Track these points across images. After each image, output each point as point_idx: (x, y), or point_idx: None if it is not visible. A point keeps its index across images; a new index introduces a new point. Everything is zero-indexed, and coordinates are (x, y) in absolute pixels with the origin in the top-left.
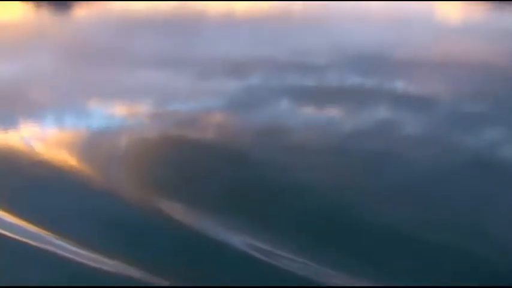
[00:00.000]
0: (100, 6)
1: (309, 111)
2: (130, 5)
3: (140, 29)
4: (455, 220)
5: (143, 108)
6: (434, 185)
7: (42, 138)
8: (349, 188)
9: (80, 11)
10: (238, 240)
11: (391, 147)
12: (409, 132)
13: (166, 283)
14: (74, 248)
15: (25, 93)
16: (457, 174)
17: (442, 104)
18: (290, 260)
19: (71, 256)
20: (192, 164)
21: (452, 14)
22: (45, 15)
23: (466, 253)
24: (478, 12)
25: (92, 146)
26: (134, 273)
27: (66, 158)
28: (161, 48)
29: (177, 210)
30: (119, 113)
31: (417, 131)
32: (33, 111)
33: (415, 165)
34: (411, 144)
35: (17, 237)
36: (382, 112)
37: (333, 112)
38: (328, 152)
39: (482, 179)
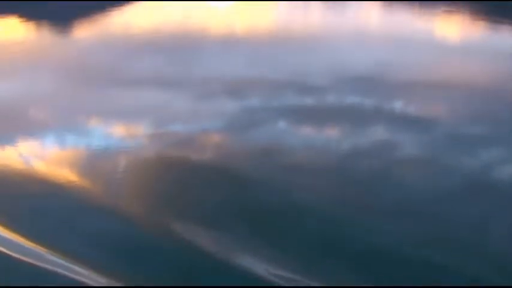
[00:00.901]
0: (100, 27)
1: (307, 132)
2: (131, 25)
3: (140, 49)
4: (453, 240)
5: (142, 129)
6: (433, 205)
7: (41, 156)
8: (348, 208)
9: (80, 31)
10: (236, 259)
11: (390, 167)
12: (408, 153)
13: None
14: (71, 266)
15: (24, 111)
16: (455, 195)
17: (441, 125)
18: (289, 280)
19: (68, 274)
20: (190, 185)
21: (452, 35)
22: (45, 34)
23: (464, 273)
24: (478, 33)
25: (90, 165)
26: None
27: (65, 177)
28: (160, 69)
29: (175, 230)
30: (117, 133)
31: (416, 152)
32: (32, 129)
33: (414, 186)
34: (410, 165)
35: (14, 254)
36: (380, 133)
37: (331, 132)
38: (327, 172)
39: (480, 200)
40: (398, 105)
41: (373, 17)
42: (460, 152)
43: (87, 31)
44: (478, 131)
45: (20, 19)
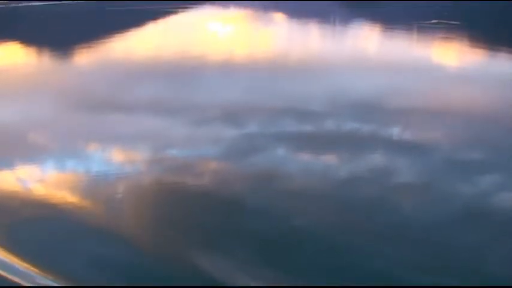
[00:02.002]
0: (100, 53)
1: (305, 158)
2: (130, 52)
3: (139, 75)
4: (450, 266)
5: (140, 155)
6: (430, 231)
7: (39, 181)
8: (346, 233)
9: (80, 57)
10: (234, 284)
11: (387, 194)
12: (406, 179)
13: None
14: None
15: (23, 136)
16: (452, 222)
17: (438, 151)
18: None
19: None
20: (188, 210)
21: (450, 61)
22: (45, 60)
23: None
24: (476, 59)
25: (89, 190)
26: None
27: (62, 201)
28: (159, 94)
29: (172, 255)
30: (115, 158)
31: (413, 179)
32: (31, 154)
33: (411, 212)
34: (407, 191)
35: (12, 277)
36: (378, 159)
37: (329, 158)
38: (325, 198)
39: (477, 227)
40: (395, 131)
41: (372, 43)
42: (455, 178)
43: (86, 57)
44: (474, 157)
45: (21, 44)
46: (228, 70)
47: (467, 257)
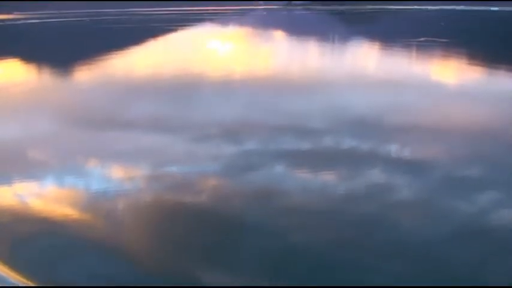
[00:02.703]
0: (100, 70)
1: (304, 175)
2: (130, 69)
3: (139, 93)
4: (448, 284)
5: (139, 171)
6: (428, 248)
7: (38, 197)
8: (344, 250)
9: (80, 74)
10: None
11: (385, 211)
12: (404, 196)
13: None
14: None
15: (22, 153)
16: (450, 239)
17: (436, 168)
18: None
19: None
20: (187, 229)
21: (448, 77)
22: (45, 77)
23: None
24: (473, 76)
25: (87, 207)
26: None
27: (62, 217)
28: (158, 112)
29: (170, 271)
30: (115, 175)
31: (411, 196)
32: (29, 170)
33: (409, 229)
34: (405, 208)
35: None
36: (376, 176)
37: (328, 176)
38: (323, 215)
39: (474, 244)
40: (394, 148)
41: (371, 60)
42: (452, 195)
43: (87, 74)
44: (472, 174)
45: (21, 61)
46: (227, 87)
47: (464, 274)
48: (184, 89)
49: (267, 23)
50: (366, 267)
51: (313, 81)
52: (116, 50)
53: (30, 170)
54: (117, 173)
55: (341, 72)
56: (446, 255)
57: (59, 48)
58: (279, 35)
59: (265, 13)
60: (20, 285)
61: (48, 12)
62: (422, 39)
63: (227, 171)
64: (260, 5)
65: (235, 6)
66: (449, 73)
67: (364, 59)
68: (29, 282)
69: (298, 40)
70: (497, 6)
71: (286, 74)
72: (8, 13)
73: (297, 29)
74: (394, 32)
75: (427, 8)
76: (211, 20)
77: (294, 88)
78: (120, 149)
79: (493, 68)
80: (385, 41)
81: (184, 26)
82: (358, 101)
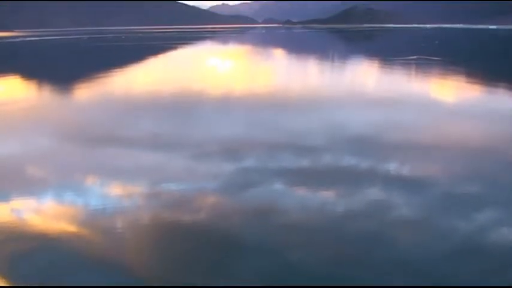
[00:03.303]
0: (98, 87)
1: (303, 193)
2: (131, 87)
3: (138, 111)
4: None
5: (138, 189)
6: (426, 266)
7: (37, 214)
8: (342, 267)
9: (81, 92)
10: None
11: (384, 228)
12: (402, 213)
13: None
14: None
15: (21, 169)
16: (448, 256)
17: (435, 186)
18: None
19: None
20: (185, 247)
21: (446, 96)
22: (46, 95)
23: None
24: (472, 95)
25: (86, 224)
26: None
27: (61, 234)
28: (158, 129)
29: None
30: (114, 192)
31: (410, 213)
32: (27, 187)
33: (407, 246)
34: (404, 225)
35: None
36: (375, 193)
37: (327, 193)
38: (322, 232)
39: (472, 262)
40: (393, 166)
41: (370, 78)
42: (451, 214)
43: (88, 92)
44: (471, 192)
45: (20, 78)
46: (226, 105)
47: None
48: (183, 107)
49: (265, 41)
50: (364, 285)
51: (306, 99)
52: (114, 68)
53: (28, 187)
54: (116, 190)
55: (328, 91)
56: (444, 273)
57: (57, 65)
58: (277, 52)
59: (264, 31)
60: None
61: (47, 30)
62: (414, 57)
63: (226, 189)
64: (260, 24)
65: (235, 24)
66: (437, 90)
67: (354, 77)
68: None
69: (295, 58)
70: (497, 25)
71: (283, 91)
72: (7, 30)
73: (294, 47)
74: (387, 50)
75: (426, 27)
76: (210, 38)
77: (289, 105)
78: (119, 166)
79: (482, 85)
80: (376, 59)
81: (184, 43)
82: (346, 119)
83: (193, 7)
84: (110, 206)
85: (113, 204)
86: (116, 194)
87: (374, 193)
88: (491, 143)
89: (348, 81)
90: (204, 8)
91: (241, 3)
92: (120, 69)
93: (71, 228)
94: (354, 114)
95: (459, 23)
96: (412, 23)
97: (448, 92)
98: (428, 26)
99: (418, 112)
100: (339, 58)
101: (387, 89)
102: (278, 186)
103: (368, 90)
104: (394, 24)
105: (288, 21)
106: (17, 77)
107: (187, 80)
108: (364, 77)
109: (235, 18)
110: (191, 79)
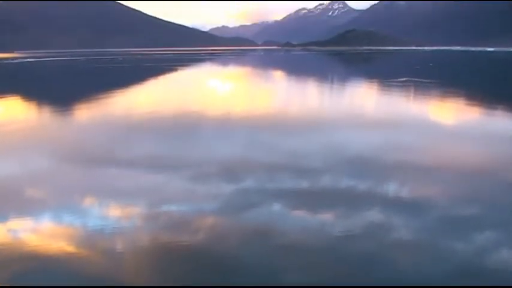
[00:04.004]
0: (100, 109)
1: (302, 214)
2: (130, 108)
3: (138, 132)
4: None
5: (137, 210)
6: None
7: (32, 232)
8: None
9: (81, 113)
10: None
11: (383, 250)
12: (400, 235)
13: None
14: None
15: (20, 190)
16: (447, 279)
17: (433, 208)
18: None
19: None
20: (183, 268)
21: (445, 118)
22: (46, 116)
23: None
24: (470, 117)
25: (86, 246)
26: None
27: (59, 255)
28: (157, 150)
29: None
30: (113, 213)
31: (408, 235)
32: (27, 209)
33: (405, 268)
34: (403, 247)
35: None
36: (373, 215)
37: (325, 214)
38: (320, 253)
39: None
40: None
41: (369, 99)
42: (449, 236)
43: (88, 113)
44: (469, 215)
45: (22, 99)
46: (226, 126)
47: None
48: (181, 128)
49: (262, 63)
50: None
51: (299, 120)
52: (106, 90)
53: (25, 207)
54: (115, 211)
55: (312, 112)
56: None
57: (55, 87)
58: (271, 74)
59: (262, 53)
60: None
61: (46, 51)
62: (404, 79)
63: (225, 210)
64: (259, 46)
65: (234, 46)
66: (419, 111)
67: (338, 99)
68: None
69: (287, 79)
70: (496, 47)
71: (278, 113)
72: (7, 51)
73: (287, 68)
74: (379, 72)
75: (424, 49)
76: (209, 60)
77: (293, 127)
78: (118, 187)
79: (465, 105)
80: (366, 81)
81: (182, 65)
82: (357, 140)
83: (193, 29)
84: (108, 227)
85: (112, 225)
86: (115, 215)
87: (373, 215)
88: (468, 162)
89: (332, 102)
90: (204, 30)
91: (241, 26)
92: (113, 92)
93: (69, 249)
94: (333, 135)
95: (458, 45)
96: (411, 45)
97: (431, 112)
98: (426, 48)
99: (399, 133)
100: (328, 80)
101: (369, 111)
102: (277, 207)
103: (350, 112)
104: (392, 46)
105: (287, 44)
106: (11, 98)
107: (185, 102)
108: (349, 99)
109: (235, 40)
110: (189, 100)
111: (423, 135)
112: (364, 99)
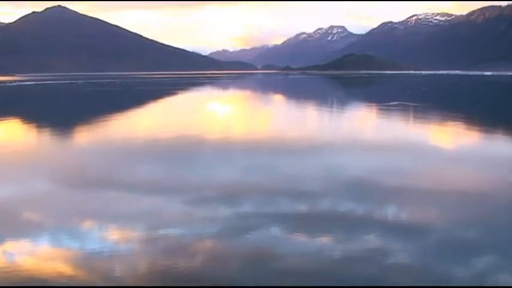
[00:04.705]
0: (100, 132)
1: (300, 238)
2: (130, 132)
3: (137, 155)
4: None
5: (135, 233)
6: None
7: (30, 255)
8: None
9: (80, 136)
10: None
11: (381, 274)
12: (399, 260)
13: None
14: None
15: (18, 212)
16: None
17: (432, 232)
18: None
19: None
20: None
21: (444, 142)
22: (45, 139)
23: None
24: (469, 140)
25: (81, 268)
26: None
27: (52, 277)
28: (156, 174)
29: None
30: (111, 237)
31: (407, 259)
32: (23, 230)
33: None
34: (400, 271)
35: None
36: (372, 239)
37: (324, 238)
38: (319, 278)
39: None
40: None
41: (368, 124)
42: (447, 260)
43: (86, 136)
44: (468, 238)
45: (21, 122)
46: (225, 150)
47: None
48: (181, 151)
49: (260, 86)
50: None
51: (290, 144)
52: (108, 113)
53: (23, 230)
54: (113, 234)
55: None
56: None
57: (53, 109)
58: (274, 98)
59: (260, 77)
60: None
61: (45, 74)
62: (394, 103)
63: (223, 234)
64: (259, 70)
65: (234, 70)
66: (404, 135)
67: (324, 123)
68: None
69: (288, 103)
70: (494, 71)
71: (274, 136)
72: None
73: (280, 92)
74: (371, 96)
75: (421, 73)
76: (209, 84)
77: (292, 150)
78: (117, 210)
79: (455, 129)
80: (355, 105)
81: (181, 89)
82: (355, 164)
83: (193, 53)
84: (106, 250)
85: (110, 249)
86: (113, 239)
87: (371, 239)
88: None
89: (321, 126)
90: (205, 54)
91: (241, 50)
92: (115, 114)
93: (67, 272)
94: (355, 159)
95: (457, 70)
96: (409, 70)
97: (416, 135)
98: (424, 72)
99: (385, 155)
100: (316, 103)
101: (356, 135)
102: (275, 231)
103: (338, 135)
104: (390, 70)
105: (286, 68)
106: (13, 120)
107: (183, 125)
108: (336, 123)
109: (235, 64)
110: (187, 124)
111: (410, 158)
112: (352, 122)
